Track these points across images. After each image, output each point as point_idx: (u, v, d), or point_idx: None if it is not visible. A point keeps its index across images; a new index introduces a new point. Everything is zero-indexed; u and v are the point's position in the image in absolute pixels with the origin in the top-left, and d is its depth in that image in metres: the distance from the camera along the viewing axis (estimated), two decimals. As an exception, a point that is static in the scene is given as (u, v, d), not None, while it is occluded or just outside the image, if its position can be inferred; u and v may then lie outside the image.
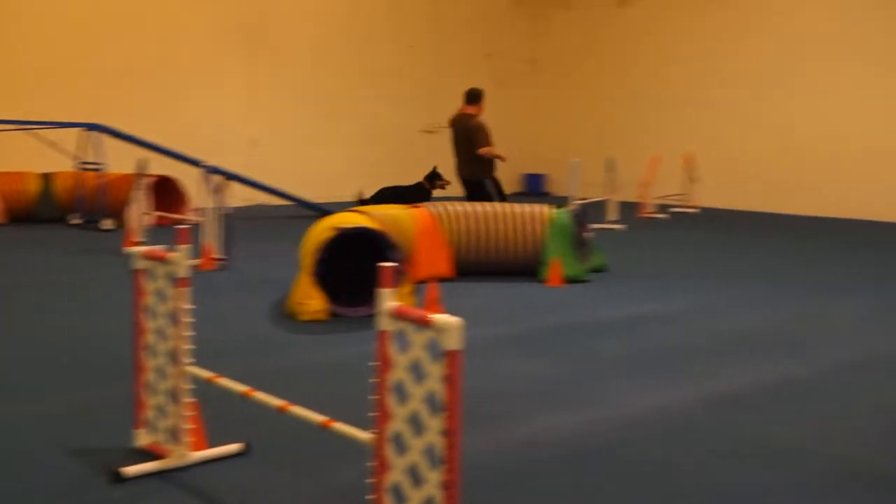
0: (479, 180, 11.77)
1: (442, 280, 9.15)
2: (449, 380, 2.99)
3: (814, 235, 14.82)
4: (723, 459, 4.62)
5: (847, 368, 6.51)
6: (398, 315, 3.20)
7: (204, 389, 4.41)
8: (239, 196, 15.95)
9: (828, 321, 8.17)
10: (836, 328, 7.88)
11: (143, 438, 4.49)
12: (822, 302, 9.04)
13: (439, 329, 3.01)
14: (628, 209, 16.46)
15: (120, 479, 4.09)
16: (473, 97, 11.90)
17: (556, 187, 21.59)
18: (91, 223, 13.56)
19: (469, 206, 9.96)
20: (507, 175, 21.69)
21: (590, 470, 4.44)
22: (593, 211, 14.63)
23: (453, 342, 2.99)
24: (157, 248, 4.40)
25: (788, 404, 5.60)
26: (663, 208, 17.35)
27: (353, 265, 8.04)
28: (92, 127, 13.85)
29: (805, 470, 4.49)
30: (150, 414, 4.47)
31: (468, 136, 11.71)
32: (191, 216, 13.24)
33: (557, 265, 9.55)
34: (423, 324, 3.08)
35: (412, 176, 19.77)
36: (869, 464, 4.60)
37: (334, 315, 7.61)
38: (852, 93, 17.29)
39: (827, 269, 11.29)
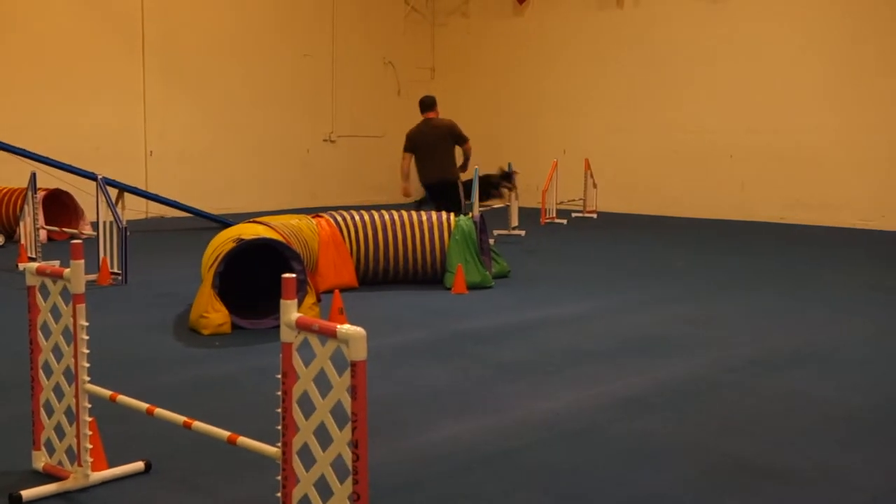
0: (456, 181, 12.07)
1: (346, 290, 9.12)
2: (355, 390, 2.98)
3: (709, 238, 15.19)
4: (619, 461, 4.68)
5: (740, 368, 6.65)
6: (302, 326, 3.18)
7: (104, 407, 4.31)
8: (136, 209, 15.64)
9: (723, 321, 8.37)
10: (730, 328, 8.07)
11: (41, 460, 4.37)
12: (717, 302, 9.27)
13: (343, 339, 2.99)
14: (529, 215, 16.63)
15: (17, 502, 3.97)
16: (432, 104, 12.34)
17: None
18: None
19: (371, 215, 9.93)
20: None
21: (492, 476, 4.46)
22: (496, 217, 14.77)
23: (358, 352, 2.98)
24: (51, 264, 4.29)
25: (683, 404, 5.71)
26: (563, 213, 17.57)
27: (255, 277, 7.95)
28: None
29: (699, 468, 4.58)
30: (48, 434, 4.35)
31: (446, 137, 12.04)
32: (86, 230, 12.94)
33: (461, 272, 9.59)
34: (328, 334, 3.06)
35: (312, 185, 19.75)
36: (760, 459, 4.72)
37: (237, 328, 7.51)
38: (742, 99, 17.79)
39: (722, 269, 11.58)
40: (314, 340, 3.16)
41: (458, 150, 12.14)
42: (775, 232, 15.93)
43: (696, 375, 6.41)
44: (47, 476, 4.27)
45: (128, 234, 9.88)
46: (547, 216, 16.98)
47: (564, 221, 16.97)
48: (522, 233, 14.86)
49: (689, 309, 8.88)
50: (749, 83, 17.68)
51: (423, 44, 22.27)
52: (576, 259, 12.56)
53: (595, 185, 18.38)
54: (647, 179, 19.04)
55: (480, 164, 13.64)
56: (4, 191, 13.39)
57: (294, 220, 9.43)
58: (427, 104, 12.33)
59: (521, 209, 15.81)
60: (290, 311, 3.21)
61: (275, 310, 7.36)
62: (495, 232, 13.92)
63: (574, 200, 18.27)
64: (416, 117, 12.45)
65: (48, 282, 4.26)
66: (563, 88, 20.26)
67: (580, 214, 18.13)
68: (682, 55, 18.48)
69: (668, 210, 18.62)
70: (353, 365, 2.97)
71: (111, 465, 4.32)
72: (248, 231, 8.13)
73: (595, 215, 18.17)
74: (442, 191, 12.00)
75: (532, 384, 6.15)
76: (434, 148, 12.00)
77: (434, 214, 10.02)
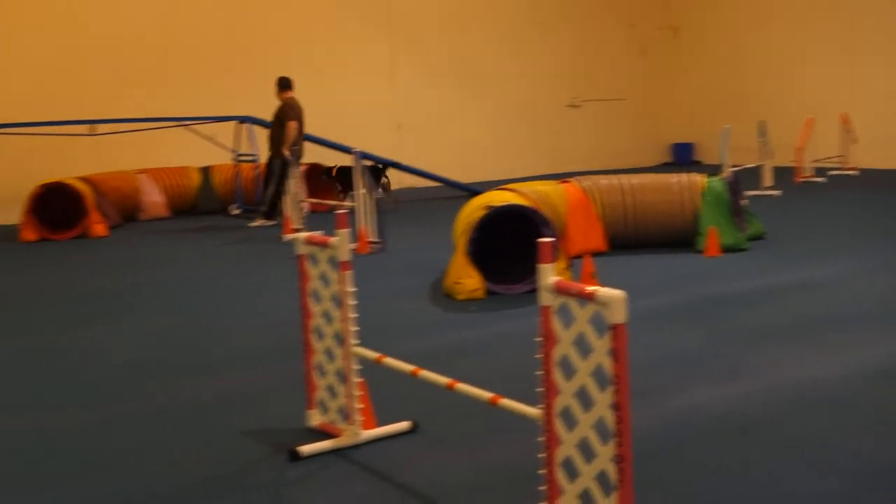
0: None
1: (595, 254, 9.09)
2: (616, 353, 2.97)
3: None
4: (875, 430, 4.44)
5: None
6: (560, 290, 3.20)
7: (370, 369, 4.51)
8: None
9: None
10: None
11: (315, 418, 4.64)
12: None
13: (603, 302, 2.99)
14: (783, 174, 15.96)
15: (297, 457, 4.24)
16: (292, 84, 12.84)
17: (706, 155, 21.10)
18: (249, 213, 14.02)
19: (619, 179, 9.83)
20: (655, 144, 21.45)
21: (747, 443, 4.35)
22: (747, 177, 14.27)
23: (618, 315, 2.97)
24: (319, 234, 4.52)
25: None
26: (820, 172, 16.75)
27: (507, 243, 8.06)
28: (244, 119, 14.30)
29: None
30: (321, 395, 4.61)
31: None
32: (344, 202, 13.53)
33: (714, 234, 9.35)
34: (587, 298, 3.06)
35: (557, 151, 19.80)
36: None
37: (491, 293, 7.66)
38: None
39: None
40: (572, 304, 3.17)
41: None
42: None
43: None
44: (322, 433, 4.54)
45: (383, 204, 10.25)
46: (802, 175, 16.25)
47: (822, 180, 16.17)
48: (777, 193, 14.29)
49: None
50: None
51: (666, 2, 21.71)
52: (833, 219, 11.95)
53: (855, 141, 17.37)
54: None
55: (731, 122, 13.22)
56: (269, 167, 14.21)
57: (542, 187, 9.49)
58: (290, 84, 12.70)
59: (775, 168, 15.22)
60: (549, 275, 3.24)
61: (527, 275, 7.51)
62: (747, 192, 13.45)
63: (832, 158, 17.36)
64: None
65: (317, 250, 4.51)
66: (816, 41, 19.20)
67: (839, 172, 17.20)
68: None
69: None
70: (614, 328, 2.97)
71: (379, 424, 4.53)
72: (498, 198, 8.24)
73: (856, 172, 17.17)
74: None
75: (785, 350, 5.93)
76: (302, 125, 12.57)
77: (685, 176, 9.78)
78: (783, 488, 3.83)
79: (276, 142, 12.60)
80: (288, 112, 12.53)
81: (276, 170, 12.51)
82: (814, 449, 4.25)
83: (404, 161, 16.34)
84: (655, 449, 4.28)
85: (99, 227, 12.54)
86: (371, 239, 10.36)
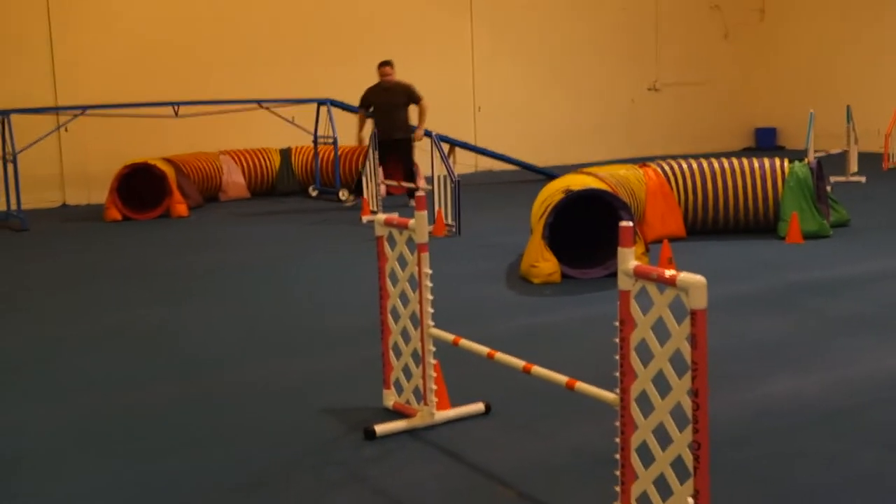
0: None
1: (674, 240, 8.99)
2: (695, 339, 2.94)
3: None
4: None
5: None
6: (640, 274, 3.17)
7: (444, 350, 4.53)
8: (465, 163, 16.19)
9: None
10: None
11: (390, 398, 4.68)
12: None
13: (683, 287, 2.95)
14: (870, 160, 15.57)
15: (372, 436, 4.28)
16: None
17: (790, 140, 20.68)
18: (327, 194, 14.14)
19: (699, 164, 9.69)
20: (738, 128, 21.08)
21: (833, 433, 4.27)
22: (832, 163, 13.95)
23: (698, 301, 2.93)
24: (397, 216, 4.54)
25: None
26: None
27: (584, 227, 8.01)
28: (323, 102, 14.39)
29: None
30: (396, 375, 4.65)
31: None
32: (421, 184, 13.57)
33: (796, 221, 9.17)
34: (667, 283, 3.03)
35: (637, 134, 19.59)
36: None
37: (567, 277, 7.62)
38: None
39: None
40: (652, 288, 3.14)
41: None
42: None
43: None
44: (396, 413, 4.57)
45: (460, 187, 10.26)
46: (890, 161, 15.84)
47: (910, 166, 15.77)
48: (862, 179, 13.95)
49: None
50: None
51: (752, -16, 21.30)
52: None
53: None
54: None
55: (816, 106, 12.94)
56: (347, 150, 14.31)
57: (621, 171, 9.40)
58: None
59: (860, 154, 14.85)
60: (628, 259, 3.21)
61: (603, 259, 7.46)
62: (832, 179, 13.15)
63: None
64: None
65: (395, 232, 4.53)
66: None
67: (928, 159, 16.72)
68: None
69: None
70: (693, 313, 2.93)
71: (453, 406, 4.55)
72: (577, 182, 8.19)
73: (947, 159, 16.68)
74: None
75: (873, 339, 5.80)
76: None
77: (768, 161, 9.61)
78: (879, 481, 3.77)
79: (401, 122, 12.68)
80: (412, 92, 12.75)
81: (408, 150, 12.67)
82: (899, 440, 4.17)
83: (481, 143, 16.31)
84: (739, 437, 4.23)
85: (180, 208, 12.75)
86: (448, 221, 10.37)
